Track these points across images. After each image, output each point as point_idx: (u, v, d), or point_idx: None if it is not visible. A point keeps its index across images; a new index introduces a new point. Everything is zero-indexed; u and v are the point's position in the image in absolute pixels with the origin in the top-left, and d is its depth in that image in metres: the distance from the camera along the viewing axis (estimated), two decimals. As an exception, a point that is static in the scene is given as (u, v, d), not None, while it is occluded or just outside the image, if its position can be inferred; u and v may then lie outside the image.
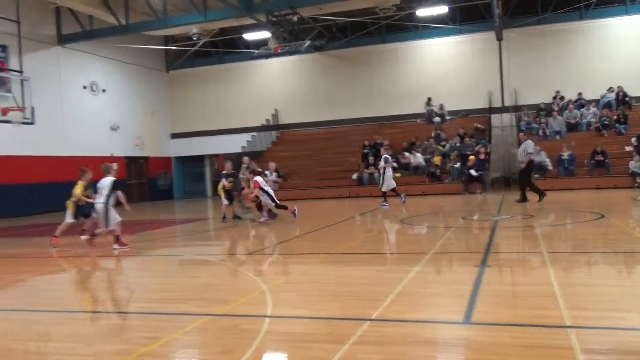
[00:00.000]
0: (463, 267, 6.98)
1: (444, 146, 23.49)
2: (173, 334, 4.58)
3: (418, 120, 26.45)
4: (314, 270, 7.11)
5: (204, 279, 7.11)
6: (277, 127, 28.69)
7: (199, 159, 30.11)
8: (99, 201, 9.58)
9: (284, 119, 28.68)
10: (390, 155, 17.57)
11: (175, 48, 28.44)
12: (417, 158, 22.93)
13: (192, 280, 7.22)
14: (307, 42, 23.88)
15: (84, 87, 24.25)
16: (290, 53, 24.53)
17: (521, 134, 16.62)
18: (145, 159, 27.94)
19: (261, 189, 12.89)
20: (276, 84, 28.60)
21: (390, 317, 4.66)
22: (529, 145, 15.25)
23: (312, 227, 12.05)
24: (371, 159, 23.08)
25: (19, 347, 4.55)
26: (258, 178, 12.96)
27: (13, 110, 15.01)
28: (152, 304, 5.83)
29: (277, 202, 13.07)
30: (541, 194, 15.07)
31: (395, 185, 16.69)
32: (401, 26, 26.34)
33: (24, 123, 15.52)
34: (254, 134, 27.51)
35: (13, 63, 18.27)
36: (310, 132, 28.04)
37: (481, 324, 4.37)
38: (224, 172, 14.35)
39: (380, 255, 8.48)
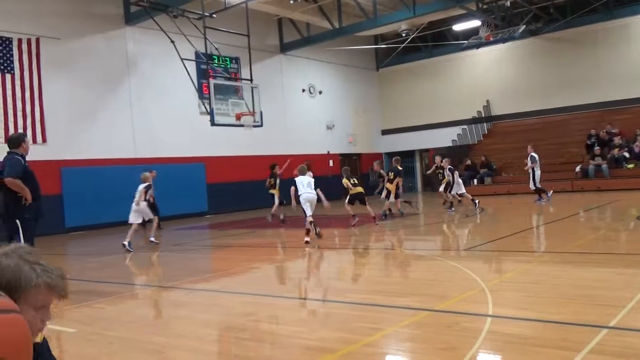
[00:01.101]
0: None
1: (690, 132, 20.22)
2: (394, 326, 4.68)
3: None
4: (537, 270, 6.67)
5: (420, 273, 7.15)
6: (489, 118, 27.53)
7: (409, 154, 30.37)
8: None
9: (496, 110, 27.41)
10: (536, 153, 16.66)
11: (385, 46, 29.06)
12: (656, 147, 20.10)
13: (409, 274, 7.31)
14: (522, 27, 22.47)
15: (303, 90, 26.12)
16: (503, 40, 23.35)
17: None
18: (358, 155, 29.08)
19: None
20: (488, 74, 27.46)
21: (632, 326, 4.16)
22: None
23: (530, 224, 11.33)
24: (597, 149, 20.88)
25: (252, 326, 5.08)
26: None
27: (245, 115, 16.72)
28: (372, 295, 6.04)
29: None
30: None
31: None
32: (633, -2, 23.34)
33: (254, 126, 17.21)
34: (464, 126, 26.81)
35: (244, 73, 20.49)
36: (525, 122, 26.35)
37: None
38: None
39: (615, 256, 7.61)
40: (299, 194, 11.11)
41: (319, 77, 26.95)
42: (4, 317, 1.27)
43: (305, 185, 11.10)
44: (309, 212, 10.82)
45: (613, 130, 21.86)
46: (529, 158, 16.41)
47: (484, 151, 24.78)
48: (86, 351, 4.64)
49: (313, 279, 7.82)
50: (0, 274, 1.44)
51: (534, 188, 16.51)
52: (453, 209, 15.64)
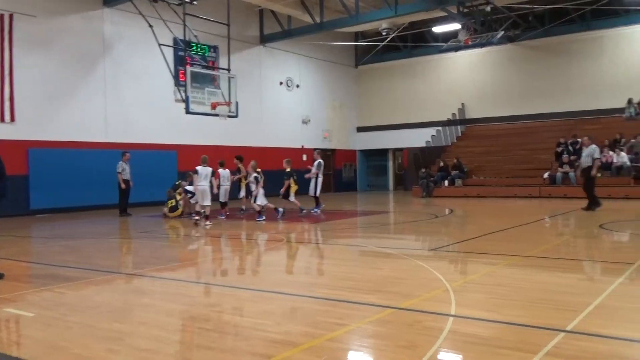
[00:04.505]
0: (679, 284, 6.11)
1: (655, 145, 20.75)
2: (358, 322, 4.71)
3: (623, 116, 23.71)
4: (502, 273, 6.78)
5: (387, 271, 7.19)
6: (464, 121, 27.88)
7: (382, 153, 30.56)
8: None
9: (471, 114, 27.76)
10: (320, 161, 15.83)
11: (365, 44, 29.10)
12: (622, 157, 20.59)
13: (376, 271, 7.35)
14: (500, 33, 22.77)
15: (280, 83, 26.02)
16: (482, 45, 23.59)
17: (585, 139, 15.56)
18: (332, 151, 29.11)
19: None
20: (464, 78, 27.77)
21: (588, 330, 4.26)
22: (595, 150, 14.64)
23: (498, 227, 11.51)
24: (565, 157, 21.29)
25: (215, 317, 5.05)
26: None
27: (221, 104, 16.58)
28: (338, 291, 6.05)
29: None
30: (596, 203, 14.53)
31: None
32: (609, 11, 23.81)
33: (229, 116, 17.08)
34: (439, 128, 27.06)
35: (222, 62, 20.31)
36: (498, 127, 26.77)
37: None
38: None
39: (577, 262, 7.79)
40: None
41: (297, 71, 26.89)
42: None
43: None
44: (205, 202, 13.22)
45: (579, 140, 22.29)
46: (315, 165, 15.57)
47: (457, 153, 25.07)
48: (44, 336, 4.55)
49: (279, 271, 7.81)
50: None
51: (314, 195, 15.45)
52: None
